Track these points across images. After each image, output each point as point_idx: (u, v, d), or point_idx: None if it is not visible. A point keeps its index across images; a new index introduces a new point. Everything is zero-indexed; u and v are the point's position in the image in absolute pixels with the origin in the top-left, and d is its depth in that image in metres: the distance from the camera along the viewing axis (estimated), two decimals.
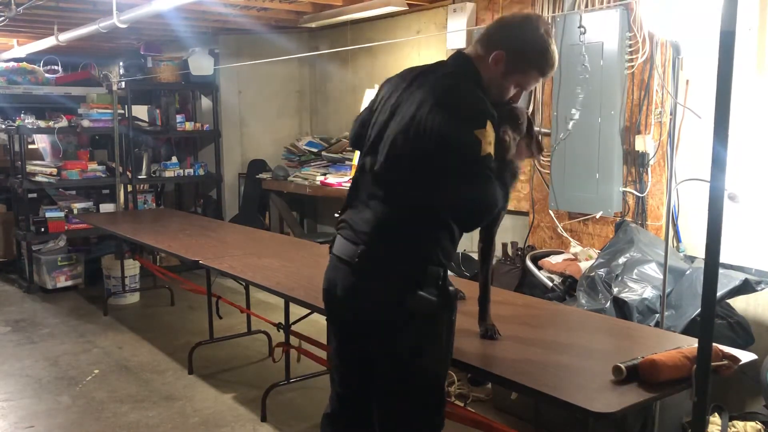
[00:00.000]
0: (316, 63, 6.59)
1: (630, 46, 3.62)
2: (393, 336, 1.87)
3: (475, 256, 2.39)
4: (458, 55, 1.99)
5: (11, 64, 6.78)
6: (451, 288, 1.91)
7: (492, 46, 1.91)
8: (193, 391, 3.77)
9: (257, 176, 6.49)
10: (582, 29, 3.55)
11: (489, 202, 1.79)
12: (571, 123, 3.60)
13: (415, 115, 1.82)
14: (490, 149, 1.75)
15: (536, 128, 4.15)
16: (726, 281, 2.90)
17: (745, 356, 2.00)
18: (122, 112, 6.37)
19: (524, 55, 1.90)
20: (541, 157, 4.13)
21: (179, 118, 6.59)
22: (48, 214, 5.98)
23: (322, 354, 3.42)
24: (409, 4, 4.84)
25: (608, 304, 3.01)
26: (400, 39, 5.14)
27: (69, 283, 5.93)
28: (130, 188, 6.45)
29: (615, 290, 3.03)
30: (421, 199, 1.84)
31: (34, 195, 6.17)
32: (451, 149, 1.77)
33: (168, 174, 6.58)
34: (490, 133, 1.75)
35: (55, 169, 5.96)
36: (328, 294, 2.02)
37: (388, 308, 1.87)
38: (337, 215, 2.10)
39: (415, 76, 1.96)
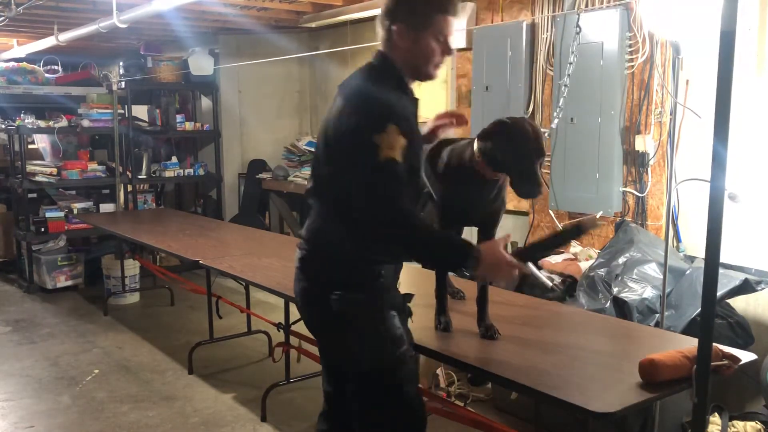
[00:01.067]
0: (316, 63, 6.59)
1: (630, 46, 3.62)
2: (331, 337, 1.91)
3: None
4: (377, 52, 1.93)
5: (11, 64, 6.78)
6: (381, 279, 1.88)
7: (388, 23, 1.85)
8: (193, 391, 3.77)
9: (257, 176, 6.49)
10: (578, 28, 3.56)
11: (386, 208, 1.73)
12: (555, 121, 3.62)
13: (329, 122, 1.84)
14: (393, 153, 1.69)
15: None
16: (726, 281, 2.90)
17: (745, 356, 2.00)
18: (122, 112, 6.37)
19: (417, 11, 1.81)
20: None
21: (179, 118, 6.59)
22: (48, 214, 5.98)
23: None
24: None
25: (608, 304, 3.01)
26: None
27: (69, 283, 5.93)
28: (130, 188, 6.45)
29: (615, 290, 3.03)
30: (341, 201, 1.84)
31: (34, 195, 6.17)
32: (352, 155, 1.75)
33: (168, 174, 6.58)
34: (391, 137, 1.69)
35: (55, 169, 5.96)
36: (294, 299, 2.08)
37: (319, 310, 1.89)
38: None
39: (345, 80, 1.96)
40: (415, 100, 1.93)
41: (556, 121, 3.65)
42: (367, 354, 1.88)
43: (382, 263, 1.90)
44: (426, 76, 1.89)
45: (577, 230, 1.95)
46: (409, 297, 2.04)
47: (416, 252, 1.85)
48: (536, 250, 1.88)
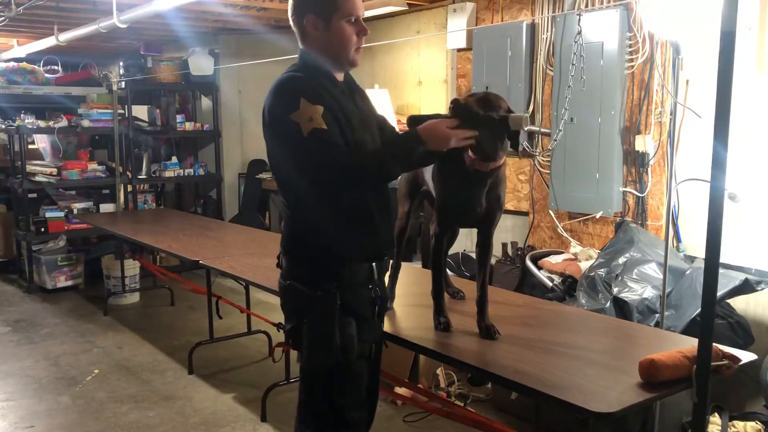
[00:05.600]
0: None
1: (630, 46, 3.62)
2: (287, 322, 1.96)
3: (475, 256, 2.39)
4: (299, 51, 1.99)
5: (11, 64, 6.78)
6: (345, 281, 1.88)
7: (299, 18, 1.92)
8: (193, 391, 3.77)
9: (257, 176, 6.49)
10: (578, 28, 3.56)
11: (332, 168, 1.79)
12: (561, 122, 3.64)
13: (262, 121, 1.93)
14: (314, 124, 1.76)
15: (535, 128, 4.16)
16: (726, 281, 2.90)
17: (745, 356, 2.00)
18: (122, 112, 6.37)
19: None
20: (541, 158, 4.14)
21: (179, 118, 6.59)
22: (48, 214, 5.98)
23: None
24: (409, 4, 4.84)
25: (608, 304, 3.01)
26: (400, 39, 5.14)
27: (69, 283, 5.94)
28: (130, 188, 6.45)
29: (615, 290, 3.03)
30: (289, 196, 1.92)
31: (34, 195, 6.17)
32: (282, 143, 1.84)
33: (168, 174, 6.58)
34: (306, 110, 1.77)
35: (55, 169, 5.96)
36: None
37: (281, 296, 2.00)
38: None
39: None
40: (351, 88, 2.00)
41: (559, 133, 3.65)
42: (308, 352, 1.91)
43: (348, 262, 1.90)
44: (349, 62, 1.94)
45: (501, 123, 1.96)
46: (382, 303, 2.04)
47: (387, 174, 1.90)
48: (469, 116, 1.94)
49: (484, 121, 1.96)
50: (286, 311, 1.99)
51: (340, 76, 1.96)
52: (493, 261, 2.38)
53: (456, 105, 1.97)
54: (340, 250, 1.89)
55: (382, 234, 1.98)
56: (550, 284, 3.48)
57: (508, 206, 4.39)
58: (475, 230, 2.30)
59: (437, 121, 1.88)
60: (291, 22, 1.95)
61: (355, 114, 1.94)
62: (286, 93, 1.82)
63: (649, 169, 3.63)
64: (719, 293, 2.55)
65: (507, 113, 2.01)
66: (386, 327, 2.32)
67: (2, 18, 5.00)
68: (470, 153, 2.07)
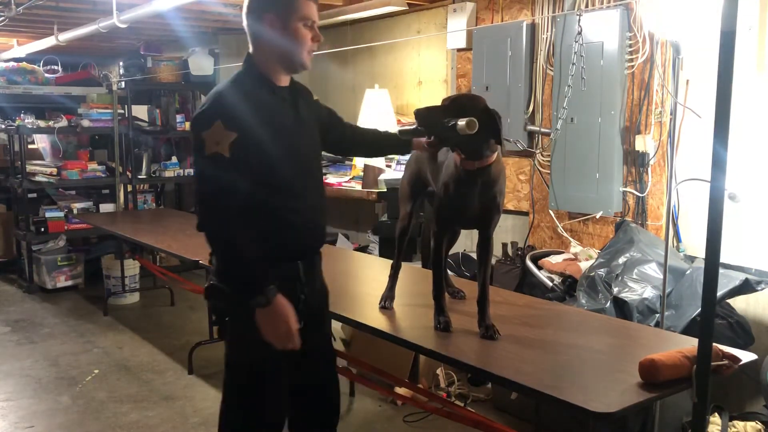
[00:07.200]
0: (315, 63, 6.55)
1: (630, 46, 3.61)
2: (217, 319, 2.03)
3: (475, 256, 2.39)
4: (246, 55, 2.02)
5: (11, 64, 6.78)
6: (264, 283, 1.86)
7: (257, 17, 1.94)
8: (193, 391, 3.77)
9: None
10: (579, 28, 3.56)
11: (210, 199, 1.83)
12: (559, 122, 3.64)
13: None
14: (218, 148, 1.80)
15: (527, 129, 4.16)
16: (726, 281, 2.90)
17: (745, 356, 2.00)
18: (122, 112, 6.38)
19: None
20: (541, 157, 4.13)
21: (179, 118, 6.59)
22: (48, 214, 5.98)
23: None
24: (409, 4, 4.84)
25: (608, 304, 3.01)
26: (400, 39, 5.14)
27: (69, 283, 5.94)
28: (130, 188, 6.45)
29: (615, 290, 3.03)
30: None
31: (34, 195, 6.18)
32: (193, 154, 1.90)
33: (168, 174, 6.59)
34: (217, 133, 1.80)
35: (55, 169, 5.96)
36: None
37: (204, 296, 2.06)
38: None
39: None
40: (295, 94, 2.05)
41: (557, 132, 3.67)
42: (229, 348, 1.98)
43: (270, 261, 1.89)
44: (300, 64, 1.98)
45: (452, 129, 2.02)
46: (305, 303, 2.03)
47: (218, 253, 1.91)
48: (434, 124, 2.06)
49: (444, 126, 2.02)
50: (210, 308, 2.05)
51: (285, 81, 2.01)
52: (493, 261, 2.38)
53: (417, 113, 2.06)
54: (263, 249, 1.88)
55: (308, 233, 2.01)
56: (550, 284, 3.48)
57: (509, 206, 4.39)
58: (475, 231, 2.31)
59: (286, 317, 1.84)
60: (245, 24, 1.97)
61: (291, 120, 1.98)
62: (206, 109, 1.86)
63: (649, 169, 3.63)
64: (719, 293, 2.55)
65: (482, 113, 2.04)
66: (386, 327, 2.33)
67: (2, 18, 5.00)
68: (458, 153, 2.13)
